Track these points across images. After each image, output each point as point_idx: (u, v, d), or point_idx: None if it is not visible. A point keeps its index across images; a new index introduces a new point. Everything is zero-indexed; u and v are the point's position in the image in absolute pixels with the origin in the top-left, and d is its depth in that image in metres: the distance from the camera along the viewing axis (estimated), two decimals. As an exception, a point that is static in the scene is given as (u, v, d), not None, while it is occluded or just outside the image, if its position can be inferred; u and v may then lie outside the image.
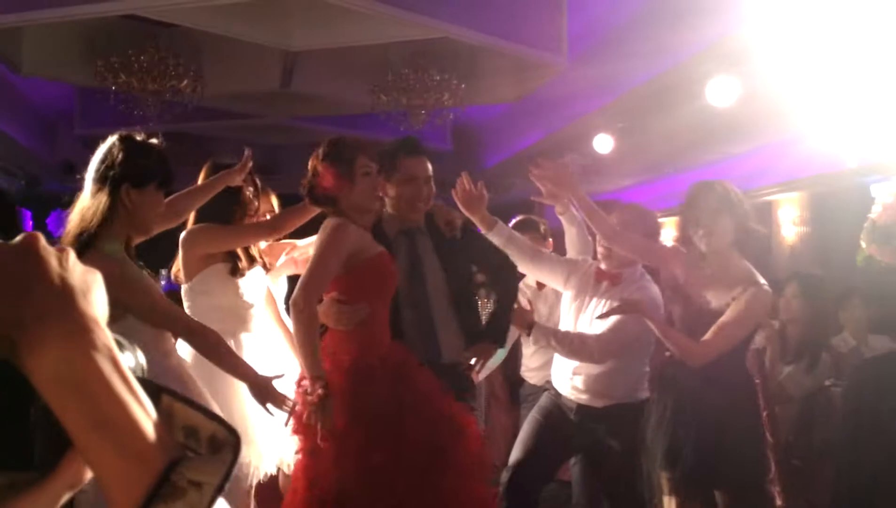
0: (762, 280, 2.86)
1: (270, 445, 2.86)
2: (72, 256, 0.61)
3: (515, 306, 3.27)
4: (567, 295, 3.48)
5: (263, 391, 2.49)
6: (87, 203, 2.27)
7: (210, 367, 2.61)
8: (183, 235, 2.91)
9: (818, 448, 3.67)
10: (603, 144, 6.65)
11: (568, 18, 5.26)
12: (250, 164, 2.91)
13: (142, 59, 5.48)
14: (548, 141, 7.21)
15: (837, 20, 4.01)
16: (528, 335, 3.25)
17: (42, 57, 5.79)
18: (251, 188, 3.00)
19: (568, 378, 3.34)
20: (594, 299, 3.35)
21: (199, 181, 2.97)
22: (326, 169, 2.65)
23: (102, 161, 2.28)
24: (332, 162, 2.66)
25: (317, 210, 2.83)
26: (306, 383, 2.47)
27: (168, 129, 5.28)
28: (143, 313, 2.27)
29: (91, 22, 5.24)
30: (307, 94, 6.68)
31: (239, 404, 2.76)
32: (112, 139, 2.32)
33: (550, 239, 4.21)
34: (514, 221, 4.13)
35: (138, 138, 2.34)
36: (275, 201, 3.37)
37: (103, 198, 2.24)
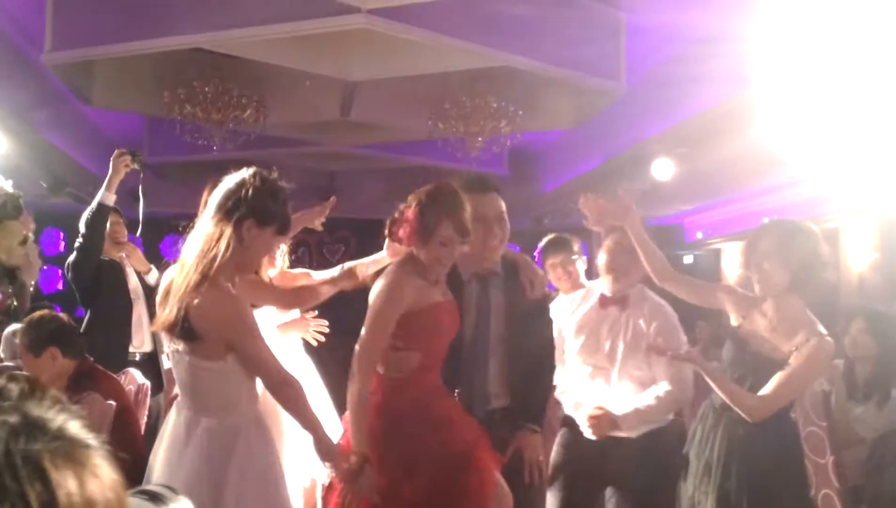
0: (823, 330, 2.73)
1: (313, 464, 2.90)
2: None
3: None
4: (569, 327, 3.34)
5: (328, 450, 2.38)
6: (210, 231, 2.26)
7: None
8: None
9: (889, 491, 3.51)
10: (662, 169, 6.56)
11: (626, 43, 5.23)
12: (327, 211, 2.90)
13: (206, 90, 5.63)
14: (606, 166, 7.15)
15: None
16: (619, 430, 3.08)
17: (112, 89, 5.99)
18: None
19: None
20: (605, 329, 3.22)
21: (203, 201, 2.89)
22: (410, 221, 2.53)
23: (233, 192, 2.28)
24: (416, 218, 2.52)
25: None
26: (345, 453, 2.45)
27: (231, 156, 5.40)
28: (245, 358, 2.26)
29: (158, 55, 5.40)
30: (366, 122, 6.76)
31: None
32: (245, 173, 2.31)
33: (585, 257, 4.18)
34: (545, 240, 4.14)
35: (271, 177, 2.34)
36: None
37: (227, 229, 2.24)
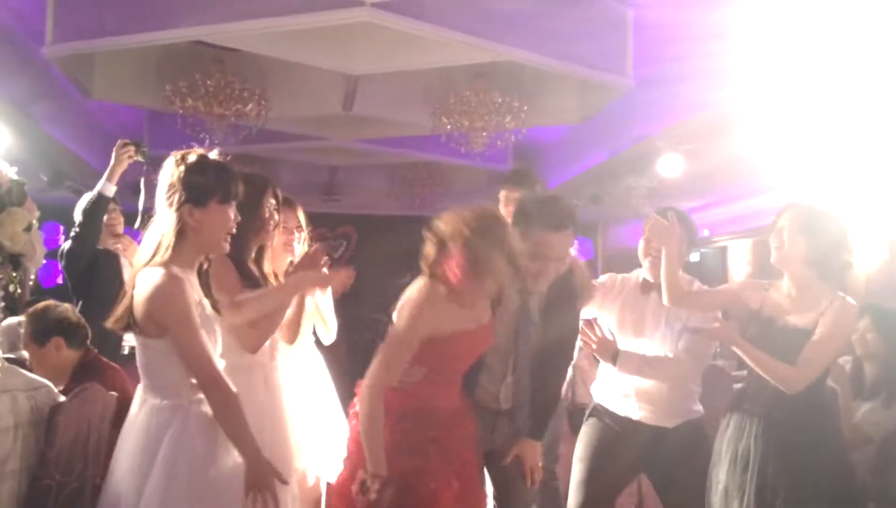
0: (844, 294, 2.81)
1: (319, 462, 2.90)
2: None
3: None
4: (611, 316, 3.37)
5: (258, 474, 2.21)
6: (159, 225, 2.29)
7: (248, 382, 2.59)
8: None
9: (896, 490, 3.48)
10: (668, 165, 6.51)
11: (633, 38, 5.18)
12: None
13: (208, 83, 5.60)
14: (612, 162, 7.11)
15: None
16: (614, 364, 3.18)
17: (113, 82, 5.95)
18: (273, 201, 2.85)
19: (634, 401, 3.26)
20: (649, 313, 3.27)
21: None
22: (459, 261, 2.35)
23: (165, 183, 2.29)
24: (466, 257, 2.34)
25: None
26: (363, 475, 2.36)
27: (233, 151, 5.35)
28: (175, 344, 2.19)
29: (160, 48, 5.37)
30: (369, 116, 6.72)
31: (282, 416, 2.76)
32: (169, 160, 2.31)
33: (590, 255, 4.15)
34: (510, 171, 3.96)
35: (193, 157, 2.31)
36: (301, 216, 3.22)
37: (171, 220, 2.25)
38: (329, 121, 7.05)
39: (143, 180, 4.06)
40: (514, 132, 6.17)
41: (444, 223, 2.41)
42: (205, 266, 2.40)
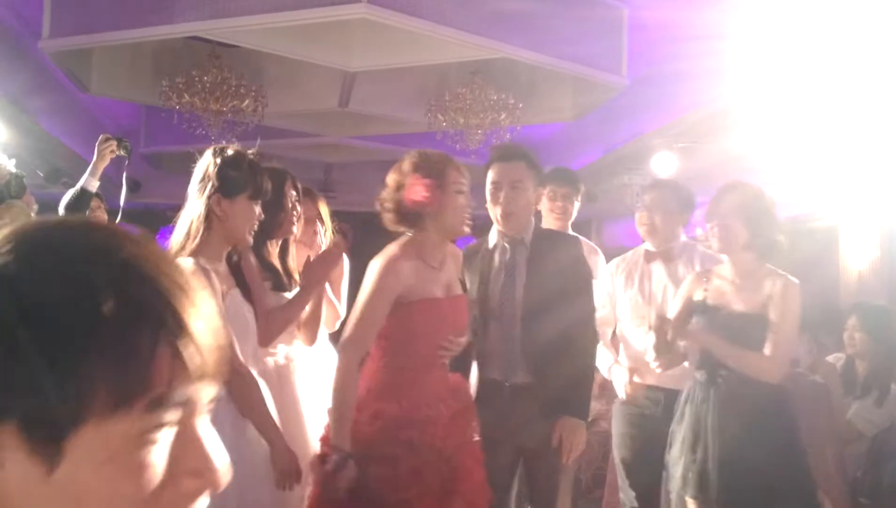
0: (783, 273, 2.88)
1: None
2: None
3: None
4: (618, 285, 3.52)
5: (284, 460, 2.28)
6: (190, 215, 2.35)
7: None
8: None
9: (887, 485, 3.52)
10: (662, 163, 6.54)
11: (628, 37, 5.20)
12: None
13: (205, 79, 5.60)
14: (606, 159, 7.13)
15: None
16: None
17: (110, 77, 5.95)
18: (293, 192, 2.85)
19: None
20: (654, 281, 3.40)
21: None
22: (416, 181, 2.46)
23: (200, 173, 2.37)
24: (423, 174, 2.46)
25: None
26: (325, 448, 2.32)
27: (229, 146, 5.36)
28: None
29: (157, 44, 5.37)
30: (365, 113, 6.73)
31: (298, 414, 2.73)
32: (207, 152, 2.39)
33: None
34: (551, 169, 4.00)
35: (230, 151, 2.39)
36: (324, 209, 3.23)
37: (200, 208, 2.32)
38: (325, 117, 7.06)
39: (124, 175, 4.08)
40: (510, 129, 6.18)
41: (392, 174, 2.54)
42: (234, 258, 2.46)
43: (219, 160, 2.35)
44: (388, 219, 2.55)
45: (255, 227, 2.43)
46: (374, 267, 2.46)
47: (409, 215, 2.49)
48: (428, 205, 2.45)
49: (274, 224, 2.77)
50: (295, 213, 2.86)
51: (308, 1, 4.45)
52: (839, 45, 4.19)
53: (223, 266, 2.39)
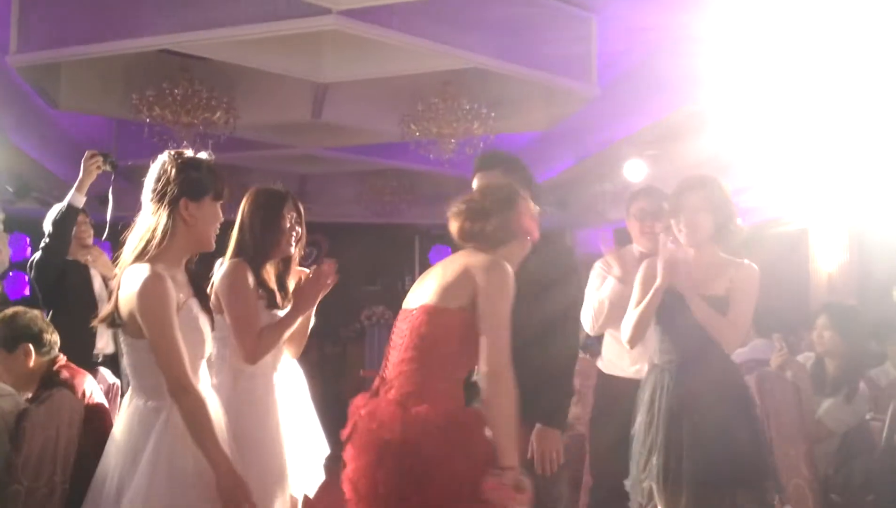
0: (747, 261, 3.01)
1: (298, 475, 2.84)
2: None
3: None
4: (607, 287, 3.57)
5: (231, 486, 2.16)
6: (147, 221, 2.28)
7: (240, 401, 2.62)
8: (224, 269, 2.78)
9: (858, 482, 3.58)
10: (634, 170, 6.61)
11: (598, 45, 5.25)
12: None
13: (176, 92, 5.58)
14: (579, 167, 7.18)
15: None
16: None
17: (79, 92, 5.90)
18: (293, 213, 2.89)
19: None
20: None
21: (243, 208, 2.87)
22: (525, 210, 2.46)
23: (157, 180, 2.29)
24: (518, 207, 2.46)
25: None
26: (503, 472, 2.16)
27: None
28: (151, 345, 2.18)
29: (126, 57, 5.33)
30: (338, 124, 6.73)
31: (273, 435, 2.73)
32: (162, 157, 2.32)
33: None
34: (639, 187, 4.08)
35: (187, 154, 2.34)
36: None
37: (163, 216, 2.26)
38: (298, 129, 7.05)
39: (111, 190, 4.07)
40: (483, 139, 6.22)
41: (482, 197, 2.51)
42: (191, 266, 2.41)
43: (178, 163, 2.29)
44: (482, 235, 2.46)
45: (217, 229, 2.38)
46: (502, 276, 2.31)
47: (509, 235, 2.45)
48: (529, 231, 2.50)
49: (272, 244, 2.82)
50: (294, 233, 2.89)
51: (278, 13, 4.45)
52: (807, 50, 4.26)
53: (182, 274, 2.33)
